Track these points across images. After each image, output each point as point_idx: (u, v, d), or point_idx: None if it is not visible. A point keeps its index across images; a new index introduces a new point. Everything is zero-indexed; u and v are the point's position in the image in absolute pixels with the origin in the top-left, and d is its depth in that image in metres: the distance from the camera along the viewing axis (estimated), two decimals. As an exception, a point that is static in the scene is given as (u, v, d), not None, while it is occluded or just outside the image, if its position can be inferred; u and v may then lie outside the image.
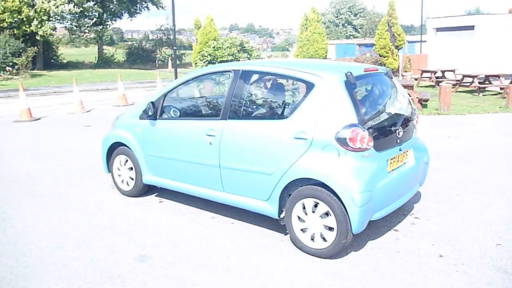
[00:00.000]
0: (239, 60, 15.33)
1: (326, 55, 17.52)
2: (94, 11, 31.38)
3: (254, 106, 4.31)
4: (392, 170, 4.03)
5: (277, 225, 4.34)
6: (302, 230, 3.93)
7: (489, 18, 19.90)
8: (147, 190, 5.46)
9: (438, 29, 21.34)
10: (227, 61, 15.07)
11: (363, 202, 3.58)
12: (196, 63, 15.48)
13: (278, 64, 4.27)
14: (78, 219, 4.84)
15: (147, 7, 37.01)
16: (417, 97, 11.97)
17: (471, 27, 19.53)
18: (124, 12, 35.51)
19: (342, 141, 3.63)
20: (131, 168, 5.35)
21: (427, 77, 18.11)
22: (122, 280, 3.55)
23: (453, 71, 17.86)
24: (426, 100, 12.24)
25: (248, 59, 15.65)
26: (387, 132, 3.98)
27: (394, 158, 4.05)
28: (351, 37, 51.21)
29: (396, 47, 19.55)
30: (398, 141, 4.07)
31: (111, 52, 36.94)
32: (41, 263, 3.84)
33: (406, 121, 4.27)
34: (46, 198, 5.55)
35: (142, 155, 5.15)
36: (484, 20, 19.64)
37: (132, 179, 5.36)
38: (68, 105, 14.15)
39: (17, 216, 4.95)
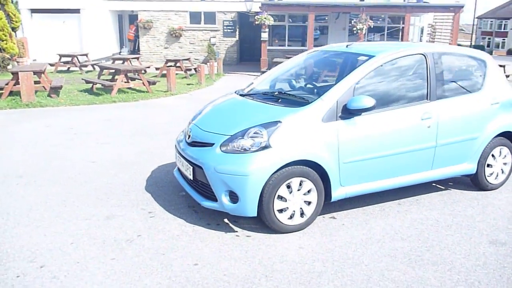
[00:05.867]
0: None
1: None
2: None
3: (451, 84, 4.71)
4: None
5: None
6: (490, 174, 5.08)
7: (93, 2, 20.45)
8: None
9: (33, 11, 19.72)
10: None
11: None
12: None
13: (452, 47, 4.97)
14: None
15: None
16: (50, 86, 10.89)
17: (77, 10, 19.55)
18: None
19: None
20: (309, 191, 4.02)
21: (62, 62, 17.11)
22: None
23: (86, 54, 17.78)
24: (60, 87, 11.03)
25: None
26: None
27: None
28: None
29: (13, 29, 16.78)
30: None
31: None
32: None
33: None
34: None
35: (335, 166, 4.05)
36: (88, 3, 20.06)
37: (309, 203, 4.05)
38: None
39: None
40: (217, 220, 4.28)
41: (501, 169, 5.13)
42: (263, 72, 17.66)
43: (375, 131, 4.21)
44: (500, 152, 5.05)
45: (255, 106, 4.38)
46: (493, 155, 5.01)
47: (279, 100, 4.37)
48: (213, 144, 4.03)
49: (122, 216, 4.34)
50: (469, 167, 4.90)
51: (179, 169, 4.75)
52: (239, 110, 4.45)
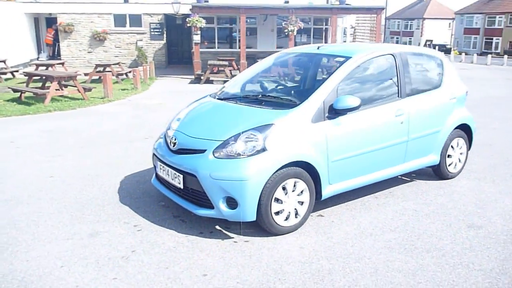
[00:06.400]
0: None
1: None
2: None
3: (417, 82, 5.00)
4: None
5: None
6: (450, 164, 5.50)
7: (5, 5, 18.78)
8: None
9: None
10: None
11: None
12: None
13: (413, 48, 5.35)
14: None
15: None
16: None
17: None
18: None
19: (467, 94, 5.58)
20: (302, 192, 4.09)
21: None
22: None
23: (4, 61, 16.39)
24: None
25: None
26: None
27: None
28: None
29: None
30: None
31: None
32: None
33: None
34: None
35: (324, 165, 4.15)
36: (0, 6, 18.42)
37: (302, 203, 4.12)
38: None
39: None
40: (208, 228, 4.18)
41: (459, 159, 5.58)
42: (198, 75, 17.53)
43: (358, 129, 4.38)
44: (458, 143, 5.49)
45: (241, 110, 4.35)
46: (452, 146, 5.43)
47: (263, 103, 4.38)
48: (205, 150, 3.94)
49: (107, 232, 4.08)
50: (434, 158, 5.27)
51: (157, 178, 4.58)
52: (224, 115, 4.39)
